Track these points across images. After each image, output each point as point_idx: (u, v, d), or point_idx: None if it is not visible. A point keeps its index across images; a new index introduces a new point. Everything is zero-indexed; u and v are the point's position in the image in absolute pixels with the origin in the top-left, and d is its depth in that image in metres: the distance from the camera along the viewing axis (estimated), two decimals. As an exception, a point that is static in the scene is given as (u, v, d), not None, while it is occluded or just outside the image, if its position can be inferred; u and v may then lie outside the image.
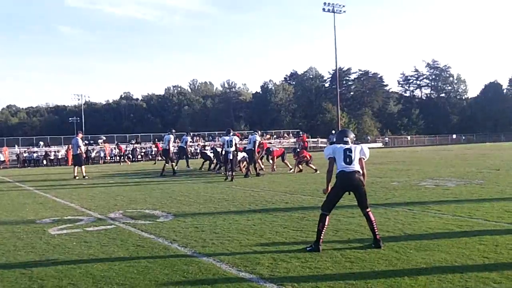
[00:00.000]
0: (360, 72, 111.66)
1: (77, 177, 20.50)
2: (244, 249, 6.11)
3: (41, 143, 52.11)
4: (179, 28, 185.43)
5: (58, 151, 47.65)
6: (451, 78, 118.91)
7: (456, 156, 29.26)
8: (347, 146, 6.28)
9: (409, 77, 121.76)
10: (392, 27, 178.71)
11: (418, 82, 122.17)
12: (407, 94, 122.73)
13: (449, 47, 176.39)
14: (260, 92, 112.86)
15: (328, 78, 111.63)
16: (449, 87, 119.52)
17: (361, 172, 6.17)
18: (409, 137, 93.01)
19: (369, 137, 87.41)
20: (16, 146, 50.92)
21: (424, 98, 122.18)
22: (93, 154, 45.70)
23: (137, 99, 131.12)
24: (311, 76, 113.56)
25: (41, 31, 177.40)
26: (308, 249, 5.91)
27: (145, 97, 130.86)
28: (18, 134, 74.70)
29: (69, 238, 7.22)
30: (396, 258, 5.40)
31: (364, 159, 6.30)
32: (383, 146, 77.59)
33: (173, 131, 22.52)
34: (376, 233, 6.02)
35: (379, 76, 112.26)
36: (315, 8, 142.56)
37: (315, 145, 67.66)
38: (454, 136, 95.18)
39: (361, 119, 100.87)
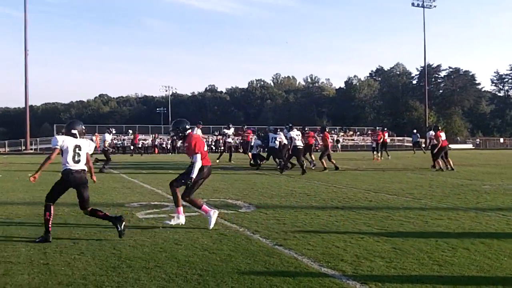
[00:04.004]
0: (451, 70, 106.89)
1: None
2: (326, 244, 6.02)
3: (130, 131, 54.37)
4: (263, 23, 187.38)
5: (145, 140, 49.53)
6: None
7: (554, 161, 27.37)
8: (77, 142, 6.14)
9: (503, 76, 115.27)
10: (484, 23, 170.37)
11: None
12: (501, 94, 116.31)
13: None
14: (344, 88, 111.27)
15: (416, 75, 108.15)
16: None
17: (86, 169, 6.25)
18: (502, 139, 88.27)
19: (458, 138, 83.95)
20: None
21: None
22: (178, 144, 47.06)
23: (221, 92, 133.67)
24: (398, 73, 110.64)
25: (131, 24, 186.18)
26: (37, 241, 5.90)
27: (229, 90, 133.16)
28: (109, 122, 78.30)
29: (155, 222, 7.47)
30: (489, 265, 5.09)
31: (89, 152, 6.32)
32: (474, 147, 74.13)
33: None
34: (110, 216, 6.18)
35: (471, 74, 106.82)
36: (404, 3, 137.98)
37: (400, 144, 65.98)
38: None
39: (450, 119, 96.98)
